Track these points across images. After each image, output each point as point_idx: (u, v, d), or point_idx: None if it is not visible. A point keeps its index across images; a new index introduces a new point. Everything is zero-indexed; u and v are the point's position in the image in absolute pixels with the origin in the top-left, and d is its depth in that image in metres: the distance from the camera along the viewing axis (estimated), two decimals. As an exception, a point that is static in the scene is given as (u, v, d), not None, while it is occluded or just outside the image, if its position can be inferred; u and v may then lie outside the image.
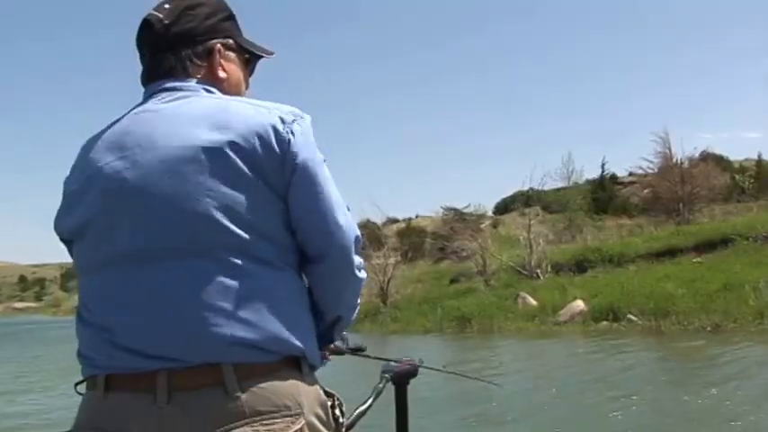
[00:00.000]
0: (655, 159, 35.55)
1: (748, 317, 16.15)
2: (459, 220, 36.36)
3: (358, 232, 1.52)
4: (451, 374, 3.44)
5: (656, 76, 69.50)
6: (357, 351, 1.99)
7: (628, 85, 70.11)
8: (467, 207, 40.20)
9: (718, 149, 40.34)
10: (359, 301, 1.61)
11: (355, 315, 1.63)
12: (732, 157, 42.36)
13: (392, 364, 2.03)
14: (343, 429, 1.53)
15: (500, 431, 8.77)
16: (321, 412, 1.43)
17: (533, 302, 22.54)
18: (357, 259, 1.52)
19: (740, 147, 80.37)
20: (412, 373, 2.01)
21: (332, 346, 1.66)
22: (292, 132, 1.41)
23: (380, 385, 1.97)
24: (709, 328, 16.29)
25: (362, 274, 1.56)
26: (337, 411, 1.52)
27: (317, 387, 1.46)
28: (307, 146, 1.43)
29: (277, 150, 1.38)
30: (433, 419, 8.70)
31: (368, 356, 2.10)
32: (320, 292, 1.53)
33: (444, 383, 10.15)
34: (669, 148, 34.53)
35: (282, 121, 1.41)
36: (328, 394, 1.51)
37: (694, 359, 13.39)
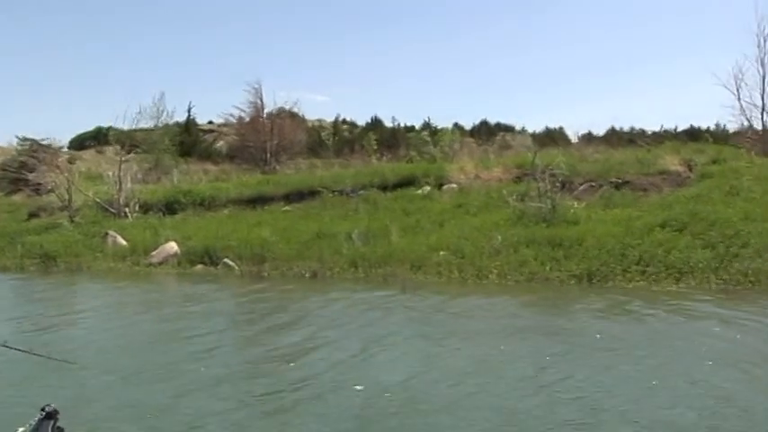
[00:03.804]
0: (247, 109, 36.14)
1: (344, 265, 17.01)
2: (36, 151, 32.91)
3: None
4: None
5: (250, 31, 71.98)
6: None
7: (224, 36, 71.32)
8: (44, 139, 36.65)
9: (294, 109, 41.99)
10: None
11: None
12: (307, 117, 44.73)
13: None
14: None
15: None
16: None
17: (124, 242, 21.28)
18: None
19: (311, 108, 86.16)
20: None
21: None
22: None
23: None
24: (307, 275, 16.89)
25: None
26: None
27: None
28: None
29: None
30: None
31: None
32: None
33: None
34: (261, 100, 35.35)
35: None
36: None
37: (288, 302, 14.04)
